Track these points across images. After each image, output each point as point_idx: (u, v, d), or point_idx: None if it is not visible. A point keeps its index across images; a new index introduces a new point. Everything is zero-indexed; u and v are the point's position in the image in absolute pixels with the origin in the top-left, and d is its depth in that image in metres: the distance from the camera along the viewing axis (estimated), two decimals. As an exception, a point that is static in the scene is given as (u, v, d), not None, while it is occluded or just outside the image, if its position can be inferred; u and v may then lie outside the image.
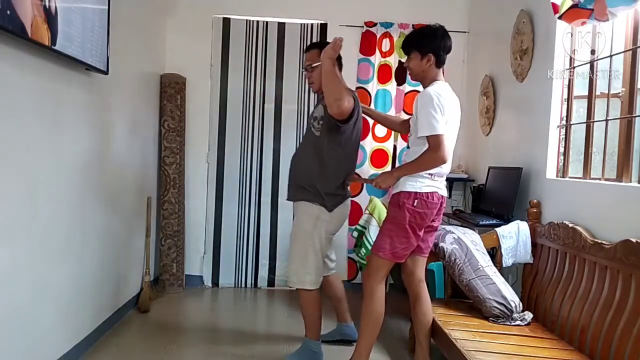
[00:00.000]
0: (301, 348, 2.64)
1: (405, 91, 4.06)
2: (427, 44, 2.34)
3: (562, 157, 2.80)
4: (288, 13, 4.09)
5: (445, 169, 2.39)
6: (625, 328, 1.94)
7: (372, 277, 2.42)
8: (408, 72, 2.50)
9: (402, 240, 2.35)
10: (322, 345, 2.67)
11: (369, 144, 4.06)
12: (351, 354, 2.47)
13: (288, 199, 2.70)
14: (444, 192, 2.41)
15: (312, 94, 4.11)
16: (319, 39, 4.09)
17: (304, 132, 2.90)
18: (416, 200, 2.31)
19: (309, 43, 4.09)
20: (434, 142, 2.24)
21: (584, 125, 2.64)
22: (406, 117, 3.93)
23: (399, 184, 2.38)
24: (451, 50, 2.40)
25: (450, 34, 2.40)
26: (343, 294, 2.94)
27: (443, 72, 2.44)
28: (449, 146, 2.28)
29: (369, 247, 3.10)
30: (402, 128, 2.79)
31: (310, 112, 2.77)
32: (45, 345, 2.23)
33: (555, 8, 2.44)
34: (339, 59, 2.53)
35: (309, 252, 2.52)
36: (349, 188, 2.70)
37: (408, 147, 2.53)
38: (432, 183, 2.34)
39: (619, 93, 2.40)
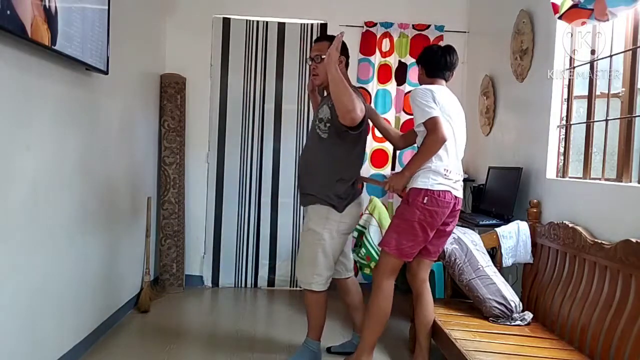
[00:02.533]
0: (301, 348, 2.63)
1: (405, 91, 4.05)
2: (420, 57, 2.56)
3: (562, 157, 2.80)
4: (288, 13, 4.09)
5: (453, 166, 2.37)
6: (625, 328, 1.94)
7: (380, 271, 2.43)
8: None
9: (409, 237, 2.34)
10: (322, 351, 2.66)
11: (369, 144, 4.03)
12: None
13: (302, 205, 2.65)
14: (459, 194, 2.39)
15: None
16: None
17: (309, 132, 2.79)
18: (426, 198, 2.30)
19: (309, 43, 4.09)
20: (430, 124, 2.27)
21: (584, 125, 2.64)
22: (407, 117, 3.95)
23: (412, 181, 2.37)
24: (452, 67, 2.49)
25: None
26: (360, 302, 2.75)
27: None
28: (449, 130, 2.30)
29: (369, 247, 3.09)
30: (400, 142, 2.78)
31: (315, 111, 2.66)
32: (45, 345, 2.23)
33: (555, 8, 2.44)
34: (346, 56, 2.53)
35: (318, 253, 2.46)
36: (358, 186, 2.62)
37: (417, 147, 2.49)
38: (445, 181, 2.33)
39: (619, 93, 2.41)
